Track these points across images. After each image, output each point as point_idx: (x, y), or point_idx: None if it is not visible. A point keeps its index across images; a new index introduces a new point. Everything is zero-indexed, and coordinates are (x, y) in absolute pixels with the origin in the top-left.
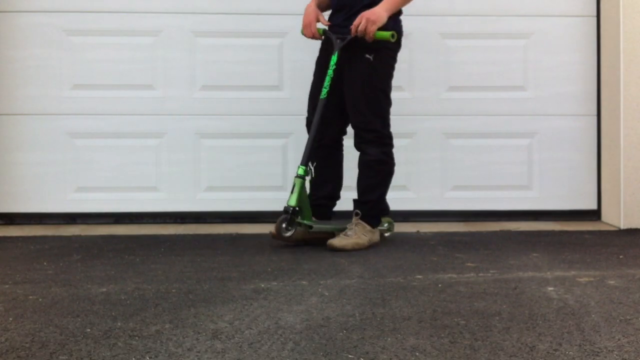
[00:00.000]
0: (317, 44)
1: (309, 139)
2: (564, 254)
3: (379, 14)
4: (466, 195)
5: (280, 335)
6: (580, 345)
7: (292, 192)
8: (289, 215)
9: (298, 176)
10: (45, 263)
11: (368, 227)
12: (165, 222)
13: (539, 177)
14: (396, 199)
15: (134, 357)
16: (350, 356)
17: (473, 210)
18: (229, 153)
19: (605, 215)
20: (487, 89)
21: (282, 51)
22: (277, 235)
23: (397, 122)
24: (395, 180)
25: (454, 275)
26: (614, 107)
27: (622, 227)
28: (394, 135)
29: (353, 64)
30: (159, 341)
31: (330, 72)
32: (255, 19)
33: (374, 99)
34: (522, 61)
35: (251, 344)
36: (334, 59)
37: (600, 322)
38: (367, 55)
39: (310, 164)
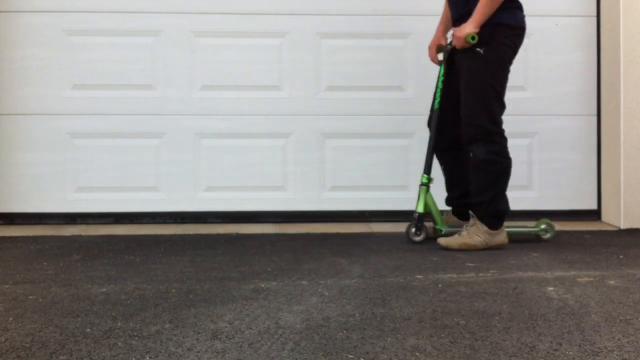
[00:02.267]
0: (315, 45)
1: (427, 149)
2: (564, 254)
3: (462, 28)
4: None
5: (280, 335)
6: (580, 345)
7: (418, 200)
8: (416, 221)
9: (422, 184)
10: (45, 263)
11: (485, 229)
12: (165, 222)
13: (539, 177)
14: (396, 199)
15: (134, 357)
16: (350, 356)
17: None
18: (229, 153)
19: (605, 215)
20: None
21: (282, 51)
22: (409, 240)
23: (396, 122)
24: (395, 180)
25: (454, 275)
26: (614, 107)
27: (622, 227)
28: (394, 135)
29: (465, 58)
30: (159, 341)
31: (439, 83)
32: (255, 19)
33: (481, 93)
34: (522, 61)
35: (251, 344)
36: (440, 71)
37: (600, 322)
38: (478, 49)
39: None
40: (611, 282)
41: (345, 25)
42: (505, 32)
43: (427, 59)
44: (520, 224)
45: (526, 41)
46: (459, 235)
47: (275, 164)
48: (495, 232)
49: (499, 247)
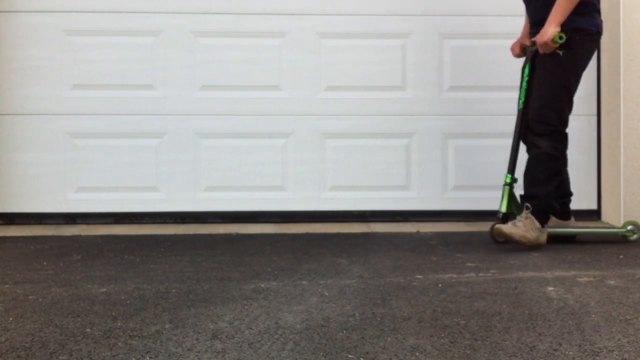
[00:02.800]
0: (315, 45)
1: (511, 149)
2: (564, 254)
3: (544, 33)
4: (467, 195)
5: (280, 335)
6: (580, 345)
7: (501, 199)
8: (500, 221)
9: (505, 184)
10: (45, 263)
11: (537, 225)
12: (165, 222)
13: None
14: (396, 199)
15: (134, 357)
16: (350, 356)
17: (473, 210)
18: (229, 153)
19: (605, 215)
20: (488, 89)
21: (282, 51)
22: (494, 241)
23: (396, 122)
24: (395, 180)
25: (454, 275)
26: (614, 107)
27: None
28: (394, 135)
29: (544, 59)
30: (159, 341)
31: (523, 83)
32: (255, 19)
33: (553, 93)
34: (522, 61)
35: (251, 344)
36: (525, 70)
37: (600, 322)
38: (558, 50)
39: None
40: (611, 282)
41: (345, 26)
42: (584, 37)
43: (427, 59)
44: (604, 225)
45: None
46: (514, 225)
47: (275, 164)
48: (543, 230)
49: (539, 247)
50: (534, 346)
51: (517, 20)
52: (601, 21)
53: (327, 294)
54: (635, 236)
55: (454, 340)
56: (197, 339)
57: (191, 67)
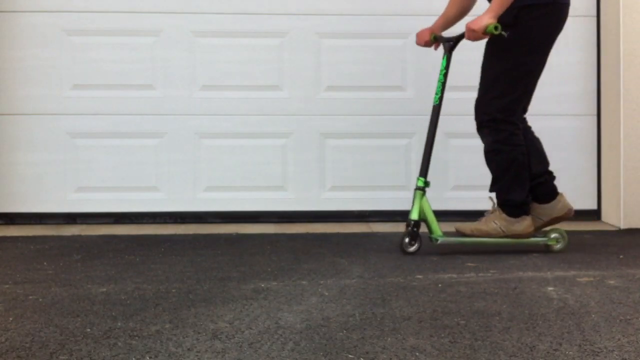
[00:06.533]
0: (315, 45)
1: (425, 148)
2: (564, 254)
3: (478, 21)
4: (466, 195)
5: (280, 335)
6: (580, 345)
7: (412, 205)
8: (410, 229)
9: (417, 188)
10: (45, 263)
11: (503, 215)
12: (165, 222)
13: None
14: (396, 199)
15: (134, 357)
16: (350, 356)
17: (473, 210)
18: (229, 153)
19: (605, 215)
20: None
21: (282, 51)
22: (403, 251)
23: (396, 122)
24: (395, 180)
25: (454, 275)
26: (614, 107)
27: (622, 227)
28: (394, 135)
29: (489, 44)
30: (159, 341)
31: (440, 77)
32: (255, 19)
33: (493, 79)
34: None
35: (251, 344)
36: (443, 63)
37: (600, 322)
38: (502, 32)
39: None
40: (611, 282)
41: (345, 26)
42: (532, 12)
43: (427, 59)
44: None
45: None
46: (478, 221)
47: (275, 164)
48: (514, 219)
49: (517, 237)
50: (534, 346)
51: None
52: None
53: (327, 294)
54: (559, 245)
55: (454, 340)
56: (197, 339)
57: (191, 67)
